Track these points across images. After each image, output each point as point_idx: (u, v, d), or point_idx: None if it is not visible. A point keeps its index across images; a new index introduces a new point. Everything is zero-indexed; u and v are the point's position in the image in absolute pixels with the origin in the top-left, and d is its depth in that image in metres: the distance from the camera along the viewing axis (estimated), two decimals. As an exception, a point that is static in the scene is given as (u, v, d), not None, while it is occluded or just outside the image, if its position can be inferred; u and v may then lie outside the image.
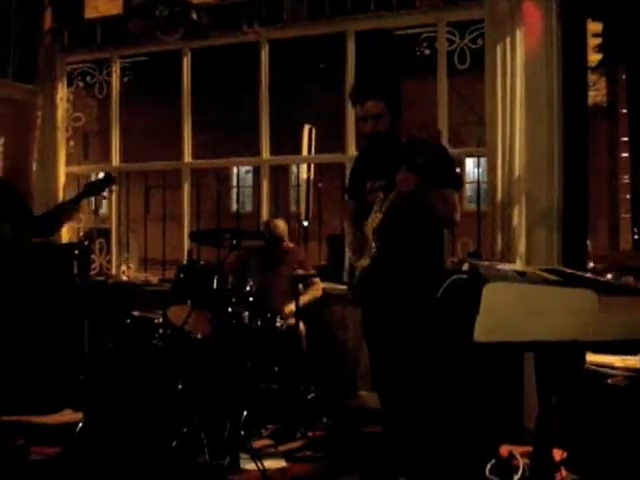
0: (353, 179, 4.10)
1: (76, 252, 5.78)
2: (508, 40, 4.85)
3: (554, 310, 2.30)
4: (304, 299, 5.11)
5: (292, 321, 4.97)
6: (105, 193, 4.40)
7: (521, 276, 2.60)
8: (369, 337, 3.96)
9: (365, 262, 3.72)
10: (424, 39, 5.45)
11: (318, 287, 5.40)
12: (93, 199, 7.18)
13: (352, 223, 3.99)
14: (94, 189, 4.35)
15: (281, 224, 5.46)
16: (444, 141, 4.71)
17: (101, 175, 4.39)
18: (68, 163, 6.56)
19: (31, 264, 5.32)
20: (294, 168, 16.00)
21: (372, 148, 3.87)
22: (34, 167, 6.56)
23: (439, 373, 3.76)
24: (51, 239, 6.11)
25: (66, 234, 6.46)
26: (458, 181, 3.90)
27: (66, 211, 4.41)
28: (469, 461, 3.75)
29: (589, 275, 3.09)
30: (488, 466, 3.66)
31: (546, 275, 2.62)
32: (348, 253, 4.01)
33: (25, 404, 4.87)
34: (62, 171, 6.47)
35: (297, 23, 5.68)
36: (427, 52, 5.45)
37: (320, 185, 9.01)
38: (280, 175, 15.18)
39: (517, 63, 4.83)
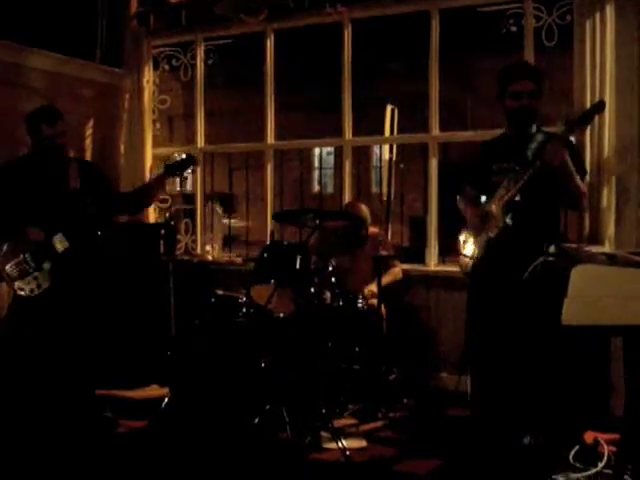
0: (474, 165, 4.22)
1: (163, 232, 5.90)
2: (597, 16, 4.71)
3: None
4: (385, 280, 5.10)
5: (374, 302, 4.97)
6: (186, 174, 4.47)
7: (611, 259, 2.54)
8: (483, 308, 4.00)
9: (492, 233, 3.88)
10: (510, 16, 5.33)
11: (399, 269, 5.39)
12: (178, 180, 7.39)
13: (472, 205, 4.13)
14: (176, 170, 4.42)
15: (363, 207, 5.46)
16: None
17: (183, 156, 4.43)
18: (154, 145, 6.67)
19: (118, 243, 5.49)
20: (376, 149, 15.96)
21: (515, 126, 3.98)
22: (122, 149, 6.73)
23: (525, 356, 3.74)
24: (138, 219, 6.30)
25: (153, 214, 6.61)
26: (585, 169, 4.17)
27: (150, 191, 4.53)
28: (553, 447, 3.70)
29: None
30: (572, 452, 3.60)
31: (637, 258, 2.54)
32: (466, 231, 4.12)
33: (114, 379, 5.03)
34: (149, 153, 6.59)
35: (380, 2, 5.63)
36: (513, 29, 5.34)
37: (402, 166, 8.94)
38: (362, 156, 15.15)
39: (607, 40, 4.69)
